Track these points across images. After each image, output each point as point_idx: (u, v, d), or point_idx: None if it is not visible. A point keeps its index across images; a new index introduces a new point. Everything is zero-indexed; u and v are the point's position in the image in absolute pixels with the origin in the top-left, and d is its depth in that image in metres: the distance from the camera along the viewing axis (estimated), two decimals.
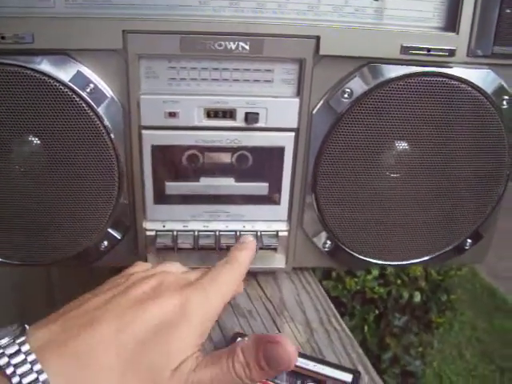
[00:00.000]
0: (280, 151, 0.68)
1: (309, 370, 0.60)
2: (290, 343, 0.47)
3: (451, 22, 0.64)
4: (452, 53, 0.65)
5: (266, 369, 0.46)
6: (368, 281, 1.74)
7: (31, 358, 0.42)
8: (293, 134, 0.67)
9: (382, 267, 1.71)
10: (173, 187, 0.69)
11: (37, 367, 0.42)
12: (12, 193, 0.66)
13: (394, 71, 0.65)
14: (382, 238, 0.74)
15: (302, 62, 0.64)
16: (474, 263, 0.81)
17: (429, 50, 0.64)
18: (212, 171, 0.69)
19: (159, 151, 0.67)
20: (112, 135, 0.64)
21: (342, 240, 0.74)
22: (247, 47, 0.62)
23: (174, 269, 0.58)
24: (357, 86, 0.65)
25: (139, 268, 0.58)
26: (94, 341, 0.45)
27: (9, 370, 0.41)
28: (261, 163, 0.69)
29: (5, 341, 0.43)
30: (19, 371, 0.41)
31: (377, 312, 1.80)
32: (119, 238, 0.72)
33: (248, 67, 0.64)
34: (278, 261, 0.75)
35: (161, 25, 0.61)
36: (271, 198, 0.71)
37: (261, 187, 0.70)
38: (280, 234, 0.73)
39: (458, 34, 0.64)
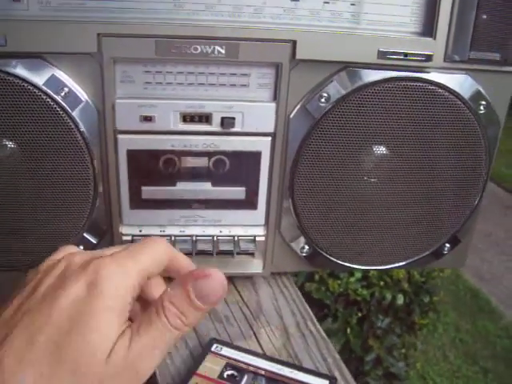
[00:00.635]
0: (257, 156, 0.67)
1: (285, 377, 0.59)
2: (216, 270, 0.44)
3: (428, 27, 0.65)
4: (429, 58, 0.65)
5: (202, 307, 0.43)
6: (351, 283, 1.75)
7: None
8: (269, 138, 0.67)
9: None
10: (149, 192, 0.68)
11: None
12: None
13: (371, 76, 0.65)
14: (360, 243, 0.74)
15: (279, 67, 0.64)
16: (454, 267, 0.81)
17: (406, 54, 0.64)
18: (189, 176, 0.68)
19: (135, 156, 0.66)
20: (87, 139, 0.64)
21: (320, 245, 0.74)
22: (223, 51, 0.62)
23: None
24: (334, 90, 0.65)
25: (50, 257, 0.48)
26: (5, 365, 0.39)
27: None
28: (238, 167, 0.68)
29: None
30: None
31: (360, 314, 1.81)
32: (95, 242, 0.71)
33: (224, 71, 0.64)
34: (256, 266, 0.74)
35: (136, 28, 0.60)
36: (248, 203, 0.70)
37: (238, 191, 0.69)
38: (257, 238, 0.72)
39: (434, 39, 0.64)
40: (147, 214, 0.70)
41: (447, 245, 0.78)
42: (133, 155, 0.66)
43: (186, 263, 0.49)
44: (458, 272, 3.10)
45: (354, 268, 0.77)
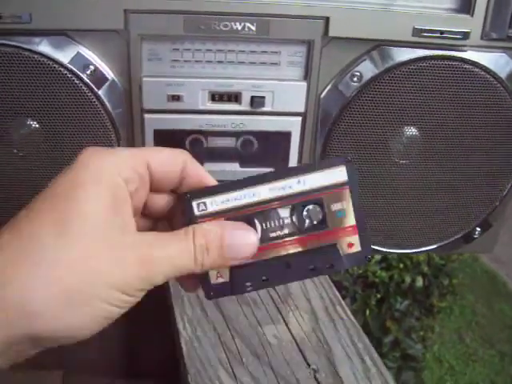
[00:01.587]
0: (286, 136, 0.66)
1: (297, 194, 0.45)
2: (254, 231, 0.44)
3: (465, 4, 0.62)
4: (466, 35, 0.63)
5: (226, 256, 0.43)
6: (370, 265, 1.74)
7: None
8: (300, 118, 0.65)
9: None
10: None
11: None
12: (10, 176, 0.64)
13: (404, 54, 0.63)
14: (390, 226, 0.73)
15: (310, 44, 0.62)
16: (482, 252, 0.80)
17: (442, 32, 0.62)
18: (216, 156, 0.67)
19: (162, 135, 0.65)
20: (113, 119, 0.62)
21: None
22: (253, 28, 0.60)
23: None
24: (366, 69, 0.63)
25: None
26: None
27: None
28: (266, 148, 0.67)
29: None
30: None
31: (378, 296, 1.80)
32: None
33: (254, 49, 0.62)
34: None
35: (164, 4, 0.58)
36: None
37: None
38: None
39: (472, 15, 0.62)
40: None
41: (478, 229, 0.76)
42: (160, 135, 0.64)
43: (205, 176, 0.47)
44: (475, 255, 3.09)
45: (383, 251, 0.76)
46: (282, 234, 0.45)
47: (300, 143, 0.67)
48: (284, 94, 0.64)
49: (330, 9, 0.60)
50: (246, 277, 0.44)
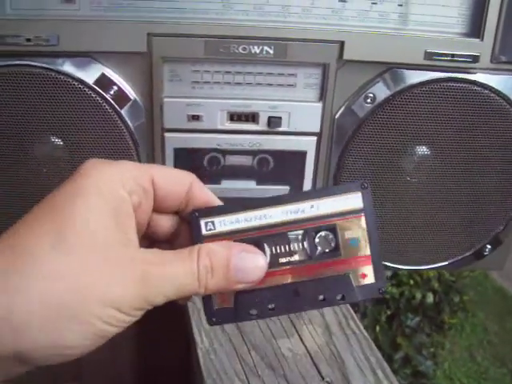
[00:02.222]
0: (302, 155, 0.68)
1: (309, 219, 0.43)
2: (263, 255, 0.42)
3: (475, 28, 0.64)
4: (476, 59, 0.64)
5: (232, 279, 0.40)
6: None
7: None
8: (315, 138, 0.67)
9: None
10: None
11: None
12: (34, 193, 0.66)
13: (416, 77, 0.65)
14: (400, 242, 0.74)
15: (326, 67, 0.64)
16: (493, 269, 0.81)
17: (453, 55, 0.64)
18: (233, 174, 0.69)
19: (181, 154, 0.67)
20: (135, 138, 0.65)
21: None
22: (271, 51, 0.62)
23: None
24: (379, 91, 0.65)
25: None
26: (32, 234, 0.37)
27: None
28: (282, 167, 0.69)
29: None
30: None
31: (389, 312, 1.80)
32: None
33: (271, 71, 0.64)
34: None
35: (185, 28, 0.61)
36: None
37: (282, 191, 0.70)
38: None
39: (482, 40, 0.64)
40: None
41: (488, 246, 0.77)
42: (179, 153, 0.67)
43: (212, 200, 0.45)
44: (486, 272, 3.07)
45: (394, 268, 0.77)
46: (292, 260, 0.43)
47: (315, 162, 0.68)
48: (300, 115, 0.66)
49: (344, 33, 0.62)
50: (251, 303, 0.42)
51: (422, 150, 0.69)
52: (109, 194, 0.38)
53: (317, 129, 0.67)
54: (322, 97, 0.66)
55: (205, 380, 0.61)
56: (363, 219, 0.43)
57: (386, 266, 0.77)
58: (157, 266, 0.38)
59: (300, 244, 0.43)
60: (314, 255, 0.43)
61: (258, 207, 0.43)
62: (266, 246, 0.43)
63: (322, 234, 0.43)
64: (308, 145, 0.68)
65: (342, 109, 0.67)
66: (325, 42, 0.63)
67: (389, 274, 1.74)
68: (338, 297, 0.42)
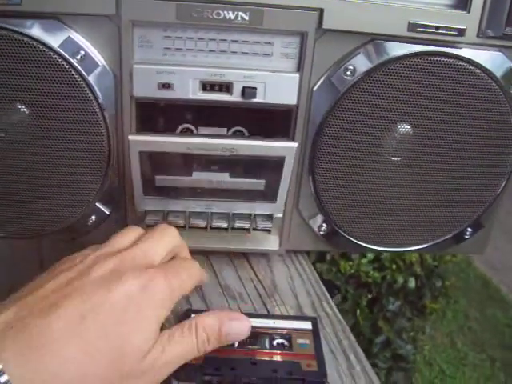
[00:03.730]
0: (280, 161, 0.66)
1: (272, 328, 0.60)
2: (246, 318, 0.55)
3: (462, 0, 0.61)
4: (461, 32, 0.62)
5: (223, 340, 0.52)
6: (363, 265, 1.73)
7: None
8: (295, 145, 0.66)
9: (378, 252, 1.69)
10: (163, 180, 0.67)
11: None
12: None
13: (399, 49, 0.63)
14: (380, 223, 0.72)
15: (304, 36, 0.61)
16: (473, 253, 0.79)
17: (437, 28, 0.61)
18: (206, 166, 0.66)
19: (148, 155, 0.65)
20: (102, 105, 0.62)
21: (339, 224, 0.71)
22: (247, 18, 0.59)
23: (133, 237, 0.56)
24: (360, 63, 0.63)
25: (96, 248, 0.54)
26: (54, 330, 0.43)
27: None
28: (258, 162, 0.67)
29: None
30: None
31: (370, 296, 1.79)
32: (107, 213, 0.69)
33: (247, 39, 0.61)
34: (272, 243, 0.72)
35: None
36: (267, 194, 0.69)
37: (257, 184, 0.68)
38: (274, 215, 0.70)
39: (468, 12, 0.61)
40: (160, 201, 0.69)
41: (469, 229, 0.75)
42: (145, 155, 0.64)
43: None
44: (469, 259, 3.08)
45: (372, 249, 0.75)
46: (256, 347, 0.57)
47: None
48: (276, 86, 0.63)
49: (324, 1, 0.59)
50: (217, 363, 0.54)
51: (404, 127, 0.66)
52: (160, 318, 0.50)
53: (293, 101, 0.64)
54: (300, 67, 0.62)
55: None
56: (312, 335, 0.60)
57: (367, 248, 0.75)
58: (167, 354, 0.48)
59: (264, 341, 0.58)
60: (273, 347, 0.58)
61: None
62: None
63: (279, 340, 0.59)
64: (287, 152, 0.65)
65: (321, 81, 0.64)
66: (303, 10, 0.59)
67: (371, 257, 1.73)
68: (288, 371, 0.54)
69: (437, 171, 0.69)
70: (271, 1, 0.59)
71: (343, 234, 0.72)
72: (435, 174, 0.69)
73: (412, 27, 0.61)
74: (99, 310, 0.45)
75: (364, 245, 0.74)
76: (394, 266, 1.75)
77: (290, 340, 0.59)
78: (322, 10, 0.59)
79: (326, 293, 0.69)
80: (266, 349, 0.57)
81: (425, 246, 0.75)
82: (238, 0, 0.58)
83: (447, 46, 0.63)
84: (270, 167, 0.67)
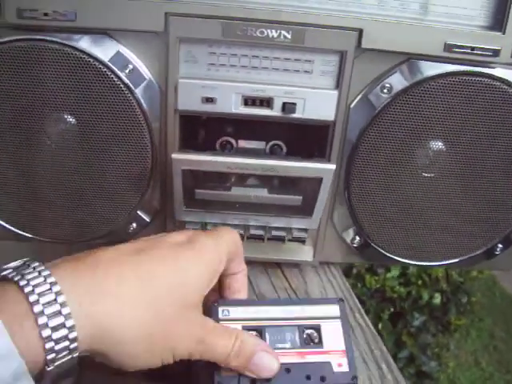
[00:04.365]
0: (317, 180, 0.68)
1: (299, 319, 0.57)
2: (278, 361, 0.52)
3: (498, 22, 0.63)
4: (496, 53, 0.63)
5: (247, 368, 0.51)
6: (388, 280, 1.74)
7: (45, 273, 0.43)
8: (333, 167, 0.68)
9: (404, 266, 1.70)
10: (202, 193, 0.70)
11: (50, 279, 0.42)
12: (44, 168, 0.66)
13: (434, 69, 0.64)
14: (412, 238, 0.73)
15: (343, 55, 0.63)
16: (503, 269, 0.80)
17: (473, 48, 0.63)
18: (245, 181, 0.69)
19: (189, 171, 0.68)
20: (148, 118, 0.64)
21: (372, 237, 0.73)
22: (289, 36, 0.61)
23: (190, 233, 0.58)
24: (397, 81, 0.64)
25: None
26: (109, 256, 0.47)
27: (22, 283, 0.42)
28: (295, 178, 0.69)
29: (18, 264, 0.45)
30: (33, 282, 0.42)
31: (392, 310, 1.79)
32: (148, 220, 0.72)
33: (288, 57, 0.64)
34: (306, 254, 0.74)
35: (203, 9, 0.60)
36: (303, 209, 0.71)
37: (295, 201, 0.70)
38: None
39: (504, 33, 0.62)
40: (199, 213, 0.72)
41: (500, 245, 0.76)
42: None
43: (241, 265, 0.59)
44: (495, 278, 3.05)
45: (402, 262, 0.76)
46: (286, 346, 0.55)
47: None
48: (315, 102, 0.65)
49: (363, 21, 0.61)
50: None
51: (437, 144, 0.68)
52: (211, 269, 0.53)
53: (331, 117, 0.66)
54: (338, 85, 0.65)
55: None
56: (340, 324, 0.57)
57: (399, 261, 0.76)
58: (211, 336, 0.50)
59: (293, 335, 0.56)
60: (303, 345, 0.55)
61: (263, 305, 0.58)
62: (267, 332, 0.55)
63: (309, 331, 0.56)
64: (325, 173, 0.68)
65: (358, 98, 0.66)
66: (343, 29, 0.61)
67: (396, 272, 1.74)
68: (320, 376, 0.53)
69: (468, 188, 0.70)
70: (313, 20, 0.61)
71: (375, 246, 0.74)
72: (467, 190, 0.70)
73: (448, 47, 0.63)
74: (159, 245, 0.50)
75: (395, 258, 0.75)
76: (419, 282, 1.75)
77: (319, 330, 0.56)
78: (361, 31, 0.61)
79: (359, 304, 0.71)
80: (297, 346, 0.55)
81: (455, 260, 0.77)
82: (281, 20, 0.61)
83: (481, 66, 0.64)
84: (307, 185, 0.69)
